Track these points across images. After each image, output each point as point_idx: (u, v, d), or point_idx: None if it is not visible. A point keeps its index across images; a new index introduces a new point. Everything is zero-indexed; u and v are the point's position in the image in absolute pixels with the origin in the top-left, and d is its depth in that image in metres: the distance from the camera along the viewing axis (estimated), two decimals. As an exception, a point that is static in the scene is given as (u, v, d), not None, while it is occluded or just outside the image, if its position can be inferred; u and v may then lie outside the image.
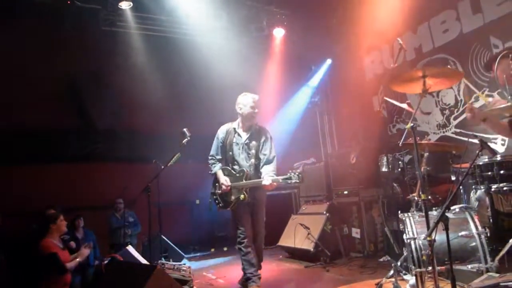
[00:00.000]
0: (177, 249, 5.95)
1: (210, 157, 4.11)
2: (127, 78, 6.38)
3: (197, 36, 6.35)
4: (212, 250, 6.75)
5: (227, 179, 3.86)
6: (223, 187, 3.85)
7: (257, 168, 3.89)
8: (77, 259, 3.91)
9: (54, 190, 5.88)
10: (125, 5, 5.64)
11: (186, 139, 4.41)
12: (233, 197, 3.83)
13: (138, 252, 4.76)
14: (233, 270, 4.93)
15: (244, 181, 3.80)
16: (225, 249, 6.74)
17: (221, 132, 4.10)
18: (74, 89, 6.52)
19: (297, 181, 3.55)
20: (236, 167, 3.93)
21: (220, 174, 3.95)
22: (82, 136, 6.63)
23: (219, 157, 4.06)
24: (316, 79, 7.39)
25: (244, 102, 3.94)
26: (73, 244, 4.40)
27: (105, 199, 6.33)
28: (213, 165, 4.04)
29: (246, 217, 3.86)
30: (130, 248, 4.61)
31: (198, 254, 6.59)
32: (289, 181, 3.59)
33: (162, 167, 4.50)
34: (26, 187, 5.80)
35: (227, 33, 6.32)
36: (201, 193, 6.94)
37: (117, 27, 5.98)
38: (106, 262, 4.13)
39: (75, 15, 5.62)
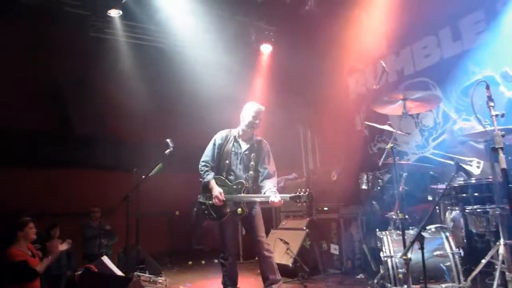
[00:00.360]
0: (154, 261, 5.83)
1: (203, 163, 3.78)
2: (113, 86, 6.33)
3: (185, 48, 6.40)
4: (190, 263, 6.65)
5: (222, 191, 3.56)
6: (216, 200, 3.54)
7: (255, 181, 3.68)
8: (49, 257, 3.75)
9: (32, 194, 5.73)
10: (114, 13, 5.62)
11: (169, 150, 4.37)
12: (228, 210, 3.55)
13: (113, 263, 4.65)
14: (211, 284, 4.87)
15: (242, 193, 3.54)
16: (203, 262, 6.65)
17: (219, 137, 3.82)
18: (58, 94, 6.43)
19: (306, 200, 3.29)
20: (231, 177, 3.68)
21: (214, 184, 3.63)
22: (62, 141, 6.50)
23: (213, 164, 3.76)
24: (301, 96, 7.49)
25: (247, 109, 3.76)
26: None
27: (83, 206, 6.18)
28: (206, 173, 3.71)
29: (235, 232, 3.70)
30: (105, 259, 4.50)
31: (176, 267, 6.48)
32: (297, 200, 3.30)
33: (143, 177, 4.45)
34: (5, 190, 5.63)
35: (216, 46, 6.39)
36: (181, 205, 6.88)
37: (105, 34, 5.96)
38: (79, 272, 4.01)
39: (62, 19, 5.57)
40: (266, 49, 6.90)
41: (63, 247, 3.92)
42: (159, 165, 4.37)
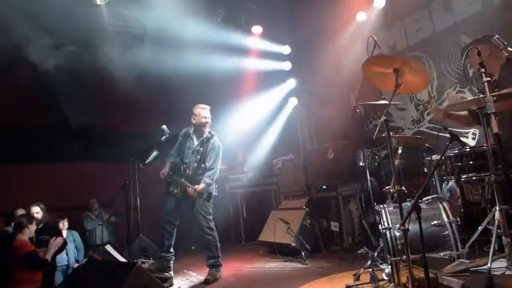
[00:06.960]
0: (157, 247, 5.88)
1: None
2: (103, 75, 6.24)
3: (175, 32, 6.28)
4: (193, 247, 6.70)
5: (165, 171, 4.46)
6: (161, 174, 4.47)
7: (196, 173, 4.41)
8: (51, 250, 3.82)
9: (30, 190, 5.73)
10: (100, 1, 5.52)
11: (164, 136, 4.38)
12: (170, 189, 4.43)
13: (117, 252, 4.70)
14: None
15: (182, 179, 4.36)
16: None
17: (180, 134, 4.64)
18: (49, 86, 6.34)
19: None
20: (185, 166, 4.47)
21: (166, 165, 4.54)
22: (56, 135, 6.46)
23: (175, 153, 4.60)
24: (295, 76, 7.46)
25: (197, 112, 4.51)
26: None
27: (83, 199, 6.20)
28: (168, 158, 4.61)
29: (171, 209, 4.41)
30: (108, 248, 4.57)
31: (179, 252, 6.51)
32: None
33: (140, 165, 4.46)
34: (4, 187, 5.63)
35: (205, 28, 6.29)
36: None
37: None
38: (83, 262, 4.06)
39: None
40: (257, 30, 6.83)
41: (58, 242, 3.97)
42: (155, 152, 4.39)
